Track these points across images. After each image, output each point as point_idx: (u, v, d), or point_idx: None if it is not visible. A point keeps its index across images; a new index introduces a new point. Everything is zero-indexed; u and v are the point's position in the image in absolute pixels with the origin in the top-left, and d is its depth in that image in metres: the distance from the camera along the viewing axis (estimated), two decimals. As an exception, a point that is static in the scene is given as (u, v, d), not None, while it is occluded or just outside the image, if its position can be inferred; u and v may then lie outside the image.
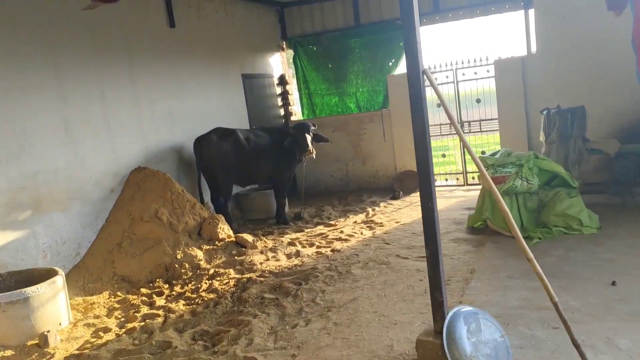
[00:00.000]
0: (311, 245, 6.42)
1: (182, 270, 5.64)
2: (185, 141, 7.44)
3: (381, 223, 7.14)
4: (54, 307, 4.41)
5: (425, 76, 3.09)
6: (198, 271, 5.65)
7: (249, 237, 6.32)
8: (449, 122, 9.09)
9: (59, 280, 4.53)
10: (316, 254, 6.02)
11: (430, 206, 3.07)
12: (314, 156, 7.41)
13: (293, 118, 10.40)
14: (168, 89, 7.28)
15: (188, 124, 7.60)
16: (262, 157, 7.31)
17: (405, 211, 7.78)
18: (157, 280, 5.56)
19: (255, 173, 7.37)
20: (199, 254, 5.91)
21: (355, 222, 7.44)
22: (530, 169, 5.78)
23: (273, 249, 6.22)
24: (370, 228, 6.98)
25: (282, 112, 10.21)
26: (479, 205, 6.24)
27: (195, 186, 7.23)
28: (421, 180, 3.11)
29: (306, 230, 7.25)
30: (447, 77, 9.06)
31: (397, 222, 7.12)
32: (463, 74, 8.94)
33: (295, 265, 5.65)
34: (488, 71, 8.74)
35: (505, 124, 8.52)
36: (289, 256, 6.05)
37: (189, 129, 7.55)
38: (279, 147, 7.33)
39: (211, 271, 5.59)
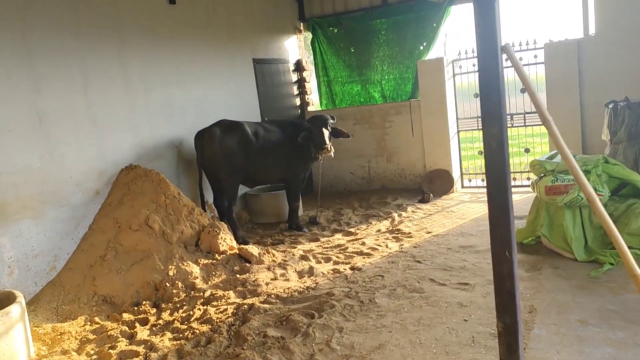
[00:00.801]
0: (327, 260, 5.50)
1: (174, 291, 4.78)
2: (186, 135, 6.56)
3: (409, 233, 6.18)
4: (8, 344, 3.60)
5: (505, 54, 2.10)
6: (192, 292, 4.79)
7: (254, 250, 5.43)
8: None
9: (16, 310, 3.71)
10: (333, 272, 5.11)
11: (508, 257, 2.09)
12: (333, 154, 6.46)
13: (310, 109, 9.44)
14: (166, 75, 6.40)
15: (190, 116, 6.72)
16: (273, 155, 6.40)
17: (437, 218, 6.78)
18: (144, 302, 4.72)
19: (264, 173, 6.47)
20: (195, 270, 5.05)
21: (379, 230, 6.48)
22: (598, 175, 4.73)
23: (282, 265, 5.33)
24: (397, 239, 6.03)
25: (298, 102, 9.26)
26: (530, 217, 5.21)
27: (196, 187, 6.36)
28: (494, 210, 2.14)
29: (322, 240, 6.34)
30: (486, 63, 7.96)
31: (429, 233, 6.14)
32: (506, 59, 7.81)
33: (308, 287, 4.74)
34: (536, 56, 7.62)
35: (554, 118, 7.37)
36: (300, 274, 5.14)
37: (190, 121, 6.67)
38: (292, 143, 6.41)
39: (207, 293, 4.72)
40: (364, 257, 5.46)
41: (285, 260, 5.45)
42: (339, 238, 6.36)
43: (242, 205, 7.67)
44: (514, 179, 8.07)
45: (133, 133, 5.90)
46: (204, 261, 5.22)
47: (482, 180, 8.33)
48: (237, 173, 6.17)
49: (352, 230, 6.62)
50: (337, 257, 5.57)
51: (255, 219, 7.40)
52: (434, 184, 8.21)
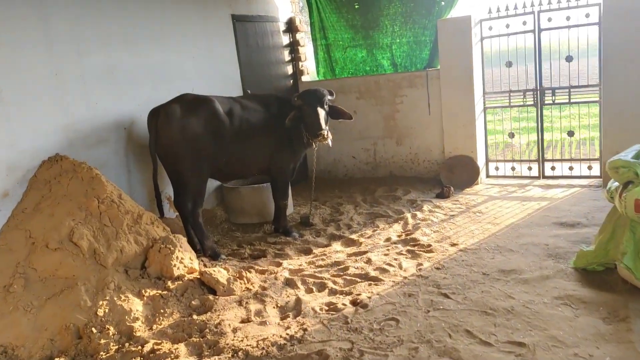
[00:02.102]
0: (321, 287, 4.12)
1: (102, 341, 3.41)
2: (139, 113, 5.09)
3: (429, 246, 4.78)
4: None
5: None
6: (128, 344, 3.42)
7: (221, 276, 4.03)
8: (522, 88, 6.56)
9: None
10: (328, 308, 3.74)
11: None
12: (331, 141, 4.99)
13: (305, 79, 7.91)
14: (109, 32, 4.88)
15: (144, 87, 5.23)
16: (253, 140, 4.95)
17: (461, 222, 5.38)
18: (59, 358, 3.37)
19: (241, 164, 5.02)
20: (136, 307, 3.68)
21: (388, 239, 5.09)
22: None
23: (260, 296, 3.95)
24: (413, 254, 4.64)
25: (289, 70, 7.72)
26: (603, 237, 3.80)
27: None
28: None
29: (315, 251, 4.95)
30: (524, 23, 6.42)
31: (454, 245, 4.75)
32: (549, 19, 6.28)
33: (292, 337, 3.37)
34: (588, 15, 6.08)
35: (611, 94, 5.91)
36: (283, 311, 3.77)
37: (145, 94, 5.19)
38: (279, 124, 4.94)
39: (149, 346, 3.35)
40: (370, 284, 4.07)
41: (264, 288, 4.07)
42: (337, 249, 4.97)
43: (217, 200, 6.26)
44: (553, 168, 6.64)
45: (60, 111, 4.42)
46: (150, 292, 3.83)
47: (512, 169, 6.90)
48: (204, 164, 4.72)
49: (354, 237, 5.23)
50: (335, 281, 4.19)
51: (234, 219, 5.99)
52: (454, 174, 6.77)
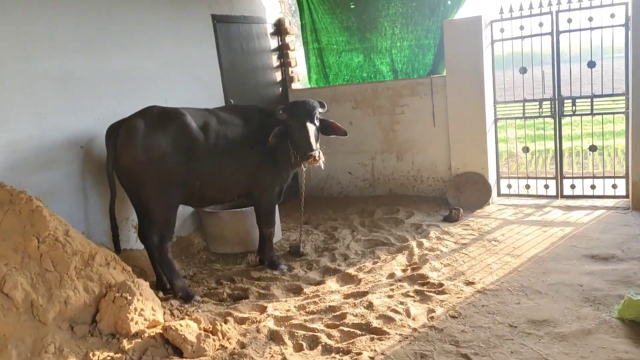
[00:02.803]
0: (313, 343, 3.42)
1: None
2: (97, 129, 4.38)
3: (440, 285, 4.10)
4: None
5: None
6: None
7: (190, 332, 3.31)
8: (538, 98, 5.93)
9: None
10: (322, 374, 3.04)
11: None
12: (323, 163, 4.27)
13: (295, 86, 7.24)
14: (62, 34, 4.17)
15: (106, 98, 4.53)
16: (232, 160, 4.26)
17: (476, 253, 4.70)
18: None
19: (218, 187, 4.31)
20: (81, 376, 2.96)
21: (391, 274, 4.40)
22: None
23: (237, 357, 3.24)
24: (422, 296, 3.95)
25: (278, 77, 7.04)
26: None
27: (118, 212, 4.21)
28: None
29: (307, 291, 4.25)
30: (540, 24, 5.79)
31: (470, 284, 4.07)
32: (569, 20, 5.66)
33: (276, 420, 2.66)
34: (613, 16, 5.46)
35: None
36: (266, 379, 3.07)
37: (107, 106, 4.50)
38: (262, 140, 4.25)
39: None
40: (372, 339, 3.38)
41: (243, 345, 3.37)
42: (332, 288, 4.27)
43: (194, 225, 5.55)
44: (573, 186, 5.99)
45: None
46: (100, 355, 3.11)
47: (527, 187, 6.25)
48: (173, 190, 4.01)
49: (351, 271, 4.54)
50: (329, 335, 3.49)
51: (213, 248, 5.28)
52: (462, 194, 6.11)
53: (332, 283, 4.38)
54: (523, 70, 5.95)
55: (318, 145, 4.16)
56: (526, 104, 6.08)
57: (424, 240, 5.10)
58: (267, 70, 6.81)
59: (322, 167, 4.23)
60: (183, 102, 4.77)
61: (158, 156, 3.88)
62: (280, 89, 7.05)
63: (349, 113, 6.78)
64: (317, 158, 4.06)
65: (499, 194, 6.43)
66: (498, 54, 6.11)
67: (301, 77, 7.41)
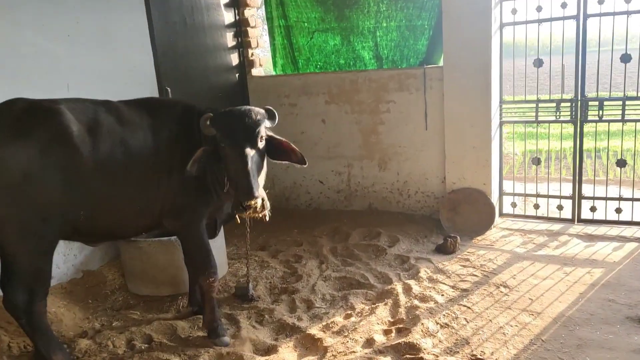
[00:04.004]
0: None
1: None
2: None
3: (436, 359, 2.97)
4: None
5: None
6: None
7: None
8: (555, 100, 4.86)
9: None
10: None
11: None
12: (268, 213, 2.95)
13: (255, 72, 5.97)
14: None
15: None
16: (135, 178, 2.96)
17: (481, 306, 3.59)
18: None
19: (114, 219, 3.01)
20: None
21: (369, 340, 3.24)
22: None
23: None
24: (413, 382, 2.81)
25: (234, 60, 5.77)
26: None
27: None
28: None
29: (251, 367, 3.07)
30: (563, 5, 4.68)
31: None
32: (600, 1, 4.55)
33: None
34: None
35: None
36: None
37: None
38: (183, 154, 2.98)
39: None
40: None
41: None
42: (287, 362, 3.10)
43: (107, 256, 4.29)
44: (593, 208, 4.94)
45: None
46: None
47: (536, 207, 5.17)
48: (43, 225, 2.72)
49: (314, 331, 3.37)
50: None
51: (133, 287, 4.04)
52: (459, 215, 5.00)
53: (287, 352, 3.21)
54: (538, 63, 4.84)
55: (262, 182, 2.92)
56: (540, 105, 4.99)
57: (412, 283, 3.95)
58: (220, 51, 5.52)
59: (267, 218, 2.95)
60: (94, 92, 3.50)
61: (16, 179, 2.59)
62: (237, 75, 5.78)
63: (322, 109, 5.58)
64: (259, 209, 2.80)
65: (501, 214, 5.34)
66: (508, 41, 4.99)
67: (264, 62, 6.14)
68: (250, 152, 2.77)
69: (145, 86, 4.49)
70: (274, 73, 6.11)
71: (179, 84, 4.84)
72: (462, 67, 4.82)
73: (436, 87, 5.05)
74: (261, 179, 2.91)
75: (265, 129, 2.93)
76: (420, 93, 5.14)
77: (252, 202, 2.71)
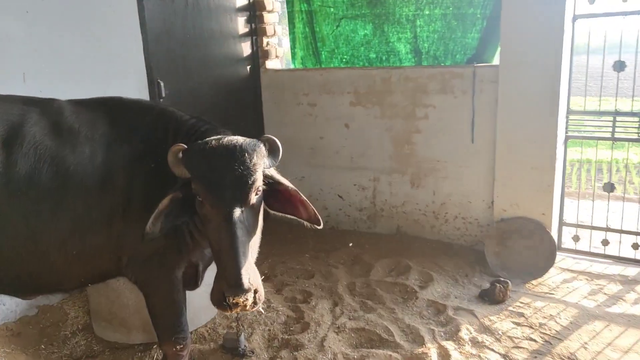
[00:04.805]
0: None
1: None
2: None
3: None
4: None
5: None
6: None
7: None
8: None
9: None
10: None
11: None
12: (262, 309, 2.05)
13: (270, 65, 5.14)
14: None
15: None
16: (69, 213, 2.15)
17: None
18: None
19: (35, 267, 2.19)
20: None
21: None
22: None
23: None
24: None
25: (246, 50, 4.94)
26: None
27: None
28: None
29: None
30: (658, -7, 3.68)
31: None
32: None
33: None
34: None
35: None
36: None
37: None
38: (146, 179, 2.17)
39: None
40: None
41: None
42: None
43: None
44: (638, 245, 3.96)
45: None
46: None
47: (605, 243, 4.20)
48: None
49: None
50: None
51: (100, 331, 3.28)
52: (509, 250, 4.07)
53: None
54: (619, 66, 3.87)
55: (254, 253, 2.09)
56: (618, 118, 4.01)
57: (450, 346, 3.08)
58: (228, 39, 4.70)
59: (261, 309, 2.09)
60: (61, 82, 2.74)
61: None
62: (248, 68, 4.96)
63: (346, 111, 4.73)
64: (248, 308, 1.94)
65: (559, 247, 4.39)
66: (581, 38, 4.02)
67: (281, 54, 5.29)
68: (241, 217, 1.93)
69: (131, 79, 3.71)
70: (292, 66, 5.27)
71: (174, 77, 4.06)
72: (523, 67, 3.88)
73: (488, 91, 4.12)
74: (253, 250, 2.08)
75: (266, 167, 2.09)
76: (467, 97, 4.23)
77: (240, 300, 1.87)
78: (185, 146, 2.06)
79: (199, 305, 3.18)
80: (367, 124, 4.70)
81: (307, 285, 3.95)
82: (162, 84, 3.94)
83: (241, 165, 1.97)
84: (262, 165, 2.06)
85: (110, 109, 2.30)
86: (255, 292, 1.96)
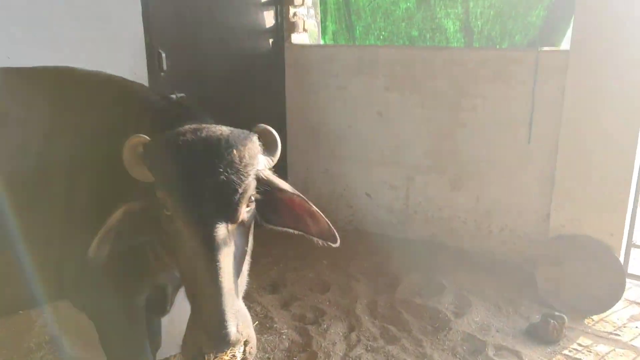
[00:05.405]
0: None
1: None
2: None
3: None
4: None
5: None
6: None
7: None
8: None
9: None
10: None
11: None
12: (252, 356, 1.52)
13: (296, 39, 4.52)
14: None
15: None
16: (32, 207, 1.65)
17: None
18: None
19: None
20: None
21: None
22: None
23: None
24: None
25: (269, 23, 4.34)
26: None
27: None
28: None
29: None
30: None
31: None
32: None
33: None
34: None
35: None
36: None
37: None
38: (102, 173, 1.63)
39: None
40: None
41: None
42: None
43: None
44: None
45: None
46: None
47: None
48: None
49: None
50: None
51: (69, 346, 2.82)
52: (566, 274, 3.39)
53: None
54: None
55: (243, 286, 1.52)
56: None
57: (489, 401, 2.47)
58: (247, 6, 4.11)
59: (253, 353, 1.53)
60: (40, 48, 2.23)
61: None
62: (270, 41, 4.36)
63: (379, 96, 4.10)
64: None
65: (627, 273, 3.67)
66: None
67: (309, 29, 4.65)
68: (227, 239, 1.38)
69: (126, 49, 3.15)
70: (321, 42, 4.65)
71: (179, 47, 3.52)
72: (602, 53, 3.14)
73: (554, 81, 3.41)
74: (242, 282, 1.51)
75: (258, 174, 1.50)
76: (526, 88, 3.52)
77: (225, 357, 1.32)
78: (148, 138, 1.49)
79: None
80: (403, 113, 4.05)
81: (320, 301, 3.40)
82: (163, 54, 3.40)
83: (228, 167, 1.38)
84: (256, 166, 1.48)
85: (54, 83, 1.76)
86: (246, 343, 1.40)
